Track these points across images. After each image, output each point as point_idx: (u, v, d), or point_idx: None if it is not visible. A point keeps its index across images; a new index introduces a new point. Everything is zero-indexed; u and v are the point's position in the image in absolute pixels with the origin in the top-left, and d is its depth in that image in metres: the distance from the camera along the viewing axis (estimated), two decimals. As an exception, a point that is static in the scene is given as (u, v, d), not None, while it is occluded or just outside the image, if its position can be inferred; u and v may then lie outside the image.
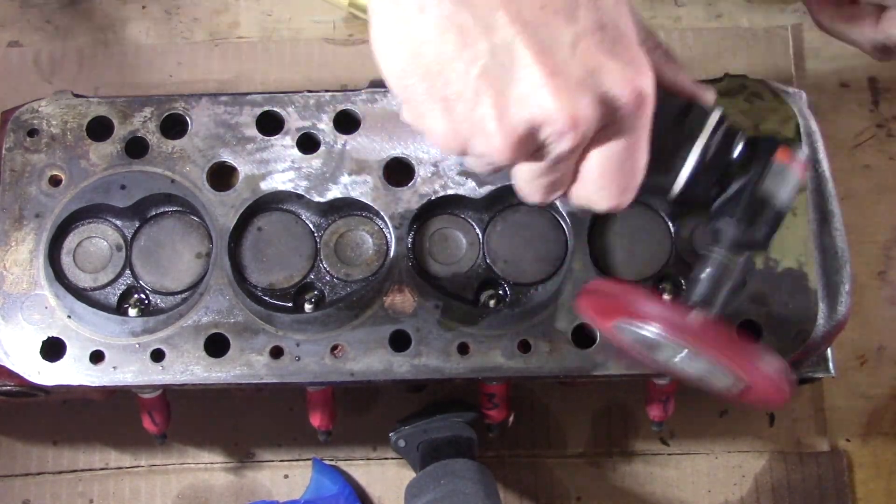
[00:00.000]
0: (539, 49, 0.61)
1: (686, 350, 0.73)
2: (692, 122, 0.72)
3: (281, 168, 0.95)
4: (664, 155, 0.71)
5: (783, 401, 0.72)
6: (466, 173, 0.94)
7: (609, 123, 0.64)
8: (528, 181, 0.68)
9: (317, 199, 0.94)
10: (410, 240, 0.95)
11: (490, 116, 0.62)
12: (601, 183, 0.67)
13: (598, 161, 0.66)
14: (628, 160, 0.66)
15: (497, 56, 0.61)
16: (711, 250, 0.74)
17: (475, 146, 0.64)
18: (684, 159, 0.72)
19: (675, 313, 0.69)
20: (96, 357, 0.92)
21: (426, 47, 0.62)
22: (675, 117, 0.72)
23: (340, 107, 0.96)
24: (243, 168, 0.95)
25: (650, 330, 0.71)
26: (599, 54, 0.61)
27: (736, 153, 0.73)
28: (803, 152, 0.73)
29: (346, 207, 0.96)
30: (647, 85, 0.63)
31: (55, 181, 0.95)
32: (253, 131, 0.96)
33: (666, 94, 0.71)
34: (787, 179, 0.73)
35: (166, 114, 0.96)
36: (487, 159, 0.65)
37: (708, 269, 0.74)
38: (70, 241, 0.96)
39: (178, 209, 0.97)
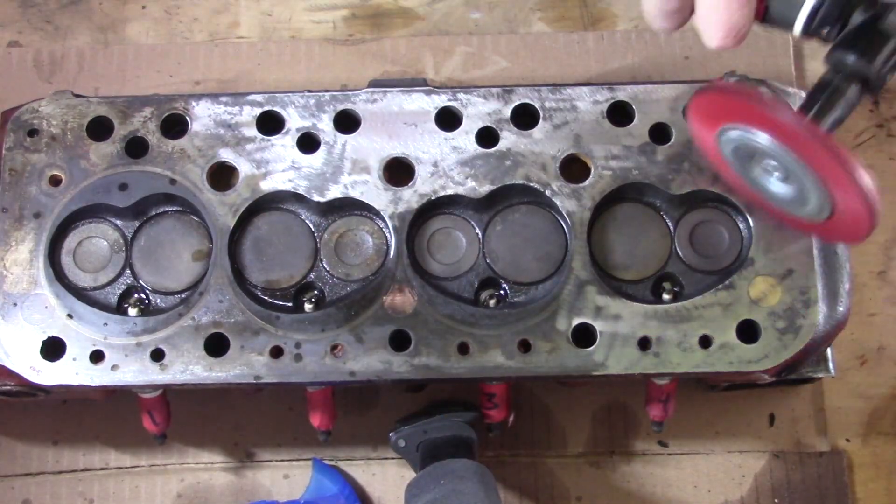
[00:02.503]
0: None
1: (792, 163, 0.73)
2: None
3: (281, 168, 0.95)
4: None
5: (864, 233, 0.73)
6: (466, 172, 0.94)
7: None
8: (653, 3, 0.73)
9: (317, 198, 0.94)
10: (410, 240, 0.95)
11: None
12: (708, 14, 0.72)
13: None
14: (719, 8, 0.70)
15: None
16: (831, 75, 0.74)
17: None
18: None
19: (791, 119, 0.69)
20: (96, 357, 0.92)
21: None
22: None
23: (340, 107, 0.96)
24: (243, 168, 0.95)
25: (762, 135, 0.71)
26: None
27: None
28: None
29: (346, 207, 0.96)
30: None
31: (55, 181, 0.95)
32: (253, 131, 0.96)
33: None
34: None
35: (166, 114, 0.96)
36: None
37: (826, 90, 0.74)
38: (70, 241, 0.96)
39: (178, 209, 0.97)
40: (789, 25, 0.75)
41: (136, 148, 0.96)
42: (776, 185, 0.77)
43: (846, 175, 0.69)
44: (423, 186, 0.94)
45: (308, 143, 0.96)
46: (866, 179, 0.69)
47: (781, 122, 0.69)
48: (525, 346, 0.91)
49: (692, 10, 0.74)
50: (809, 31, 0.75)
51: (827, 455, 1.11)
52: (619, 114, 0.96)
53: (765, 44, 1.18)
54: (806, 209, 0.77)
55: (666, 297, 0.94)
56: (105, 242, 0.97)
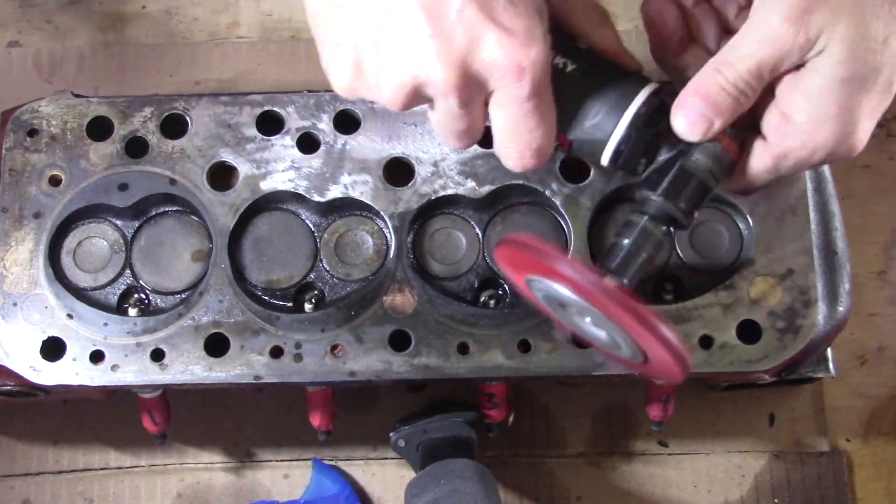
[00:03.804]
0: (430, 10, 0.63)
1: (596, 315, 0.72)
2: (626, 92, 0.72)
3: (281, 168, 0.95)
4: (597, 122, 0.72)
5: (678, 377, 0.72)
6: (466, 172, 0.94)
7: (498, 88, 0.66)
8: (435, 127, 0.71)
9: (317, 198, 0.94)
10: (410, 240, 0.95)
11: (379, 70, 0.66)
12: (503, 141, 0.70)
13: (495, 119, 0.69)
14: (522, 124, 0.68)
15: (392, 11, 0.64)
16: (635, 218, 0.74)
17: (366, 93, 0.68)
18: (614, 127, 0.72)
19: (588, 275, 0.68)
20: (96, 357, 0.91)
21: None
22: (609, 86, 0.72)
23: (340, 107, 0.96)
24: (243, 168, 0.95)
25: (561, 289, 0.71)
26: (484, 22, 0.63)
27: (668, 125, 0.72)
28: (737, 130, 0.73)
29: (346, 207, 0.96)
30: (527, 57, 0.64)
31: (55, 181, 0.95)
32: (253, 131, 0.96)
33: (600, 62, 0.72)
34: (716, 156, 0.72)
35: (166, 114, 0.96)
36: (380, 103, 0.69)
37: (627, 237, 0.73)
38: (70, 241, 0.96)
39: (178, 209, 0.97)
40: (596, 160, 0.74)
41: (136, 148, 0.96)
42: (592, 329, 0.76)
43: (646, 331, 0.68)
44: (423, 186, 0.94)
45: (308, 143, 0.96)
46: (667, 334, 0.68)
47: (576, 280, 0.68)
48: (525, 346, 0.91)
49: (481, 132, 0.72)
50: (617, 167, 0.74)
51: (827, 455, 1.11)
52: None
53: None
54: (622, 352, 0.77)
55: (666, 297, 0.94)
56: (105, 242, 0.97)
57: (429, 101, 0.68)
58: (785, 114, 0.71)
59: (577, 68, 0.72)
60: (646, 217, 0.73)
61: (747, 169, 0.74)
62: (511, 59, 0.64)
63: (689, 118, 0.71)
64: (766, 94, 0.72)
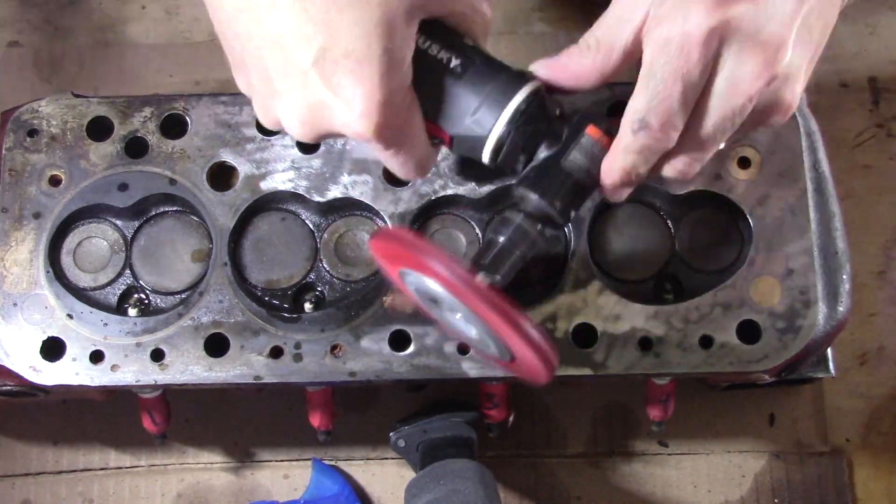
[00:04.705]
0: (283, 72, 0.68)
1: (464, 310, 0.72)
2: (507, 89, 0.72)
3: (281, 168, 0.95)
4: (477, 117, 0.72)
5: (544, 378, 0.72)
6: (466, 173, 0.94)
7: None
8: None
9: (317, 199, 0.94)
10: (410, 240, 0.95)
11: (273, 109, 0.71)
12: (387, 160, 0.74)
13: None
14: (390, 162, 0.74)
15: (269, 70, 0.69)
16: (511, 216, 0.74)
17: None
18: (494, 124, 0.72)
19: (457, 270, 0.68)
20: (96, 357, 0.91)
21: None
22: (491, 82, 0.72)
23: (340, 107, 0.96)
24: (243, 168, 0.95)
25: (432, 284, 0.71)
26: (324, 89, 0.67)
27: (548, 123, 0.73)
28: (613, 130, 0.72)
29: (346, 207, 0.96)
30: (363, 126, 0.67)
31: (55, 181, 0.95)
32: (253, 131, 0.96)
33: (484, 59, 0.72)
34: (593, 155, 0.72)
35: (166, 114, 0.96)
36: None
37: (503, 234, 0.73)
38: (70, 241, 0.96)
39: (178, 209, 0.97)
40: (478, 158, 0.74)
41: (136, 148, 0.96)
42: (462, 326, 0.76)
43: (511, 330, 0.69)
44: (423, 186, 0.94)
45: (308, 143, 0.96)
46: (532, 333, 0.69)
47: (445, 276, 0.68)
48: (525, 346, 0.91)
49: (421, 161, 0.75)
50: (497, 166, 0.74)
51: (827, 455, 1.11)
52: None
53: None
54: (490, 350, 0.77)
55: (666, 297, 0.94)
56: (105, 242, 0.97)
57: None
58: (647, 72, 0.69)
59: (461, 64, 0.72)
60: (521, 215, 0.73)
61: (613, 155, 0.72)
62: (350, 129, 0.68)
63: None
64: None
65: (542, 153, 0.73)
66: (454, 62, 0.72)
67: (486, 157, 0.73)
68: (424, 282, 0.71)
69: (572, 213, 0.74)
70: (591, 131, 0.72)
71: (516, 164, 0.74)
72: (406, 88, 0.69)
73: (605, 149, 0.72)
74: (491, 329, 0.71)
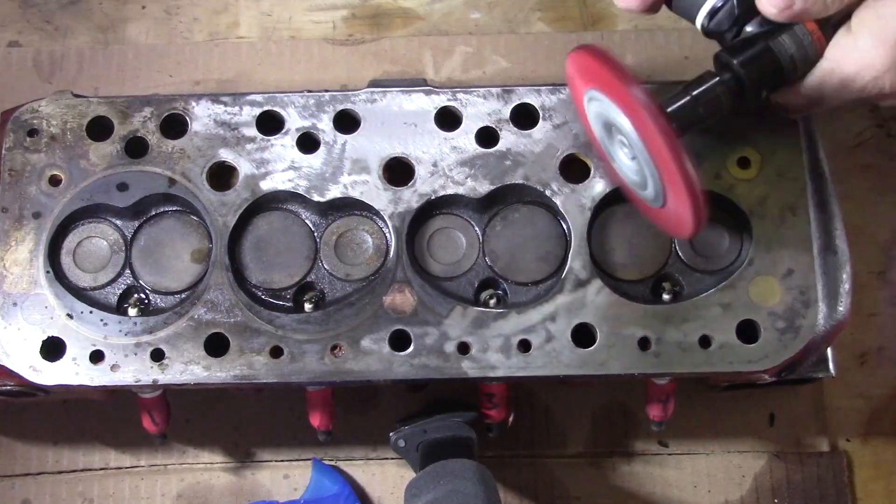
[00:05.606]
0: None
1: (637, 144, 0.74)
2: None
3: (281, 168, 0.95)
4: None
5: (689, 230, 0.74)
6: (466, 172, 0.94)
7: None
8: None
9: (317, 198, 0.94)
10: (410, 240, 0.95)
11: None
12: None
13: None
14: None
15: None
16: (708, 77, 0.76)
17: None
18: None
19: (650, 108, 0.71)
20: (96, 357, 0.92)
21: None
22: None
23: (340, 107, 0.96)
24: (243, 168, 0.95)
25: (619, 111, 0.73)
26: None
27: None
28: (831, 30, 0.75)
29: (345, 207, 0.96)
30: None
31: (55, 181, 0.95)
32: (253, 131, 0.96)
33: None
34: (801, 45, 0.75)
35: (166, 114, 0.96)
36: None
37: (698, 89, 0.76)
38: (70, 241, 0.96)
39: (178, 209, 0.97)
40: (693, 19, 0.78)
41: (136, 148, 0.96)
42: (625, 161, 0.79)
43: (679, 172, 0.70)
44: (423, 186, 0.94)
45: (308, 143, 0.96)
46: (695, 181, 0.71)
47: (635, 104, 0.71)
48: (525, 347, 0.91)
49: None
50: (709, 30, 0.78)
51: (827, 455, 1.11)
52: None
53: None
54: (644, 192, 0.79)
55: (666, 297, 0.94)
56: (105, 242, 0.97)
57: None
58: (851, 30, 0.73)
59: None
60: (717, 79, 0.76)
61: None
62: None
63: None
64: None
65: (753, 28, 0.76)
66: None
67: (699, 19, 0.77)
68: (611, 109, 0.73)
69: (763, 94, 0.77)
70: (810, 24, 0.75)
71: (727, 32, 0.77)
72: None
73: (817, 44, 0.75)
74: (658, 167, 0.73)
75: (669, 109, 0.76)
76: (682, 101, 0.76)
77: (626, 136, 0.75)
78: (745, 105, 0.77)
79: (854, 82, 0.75)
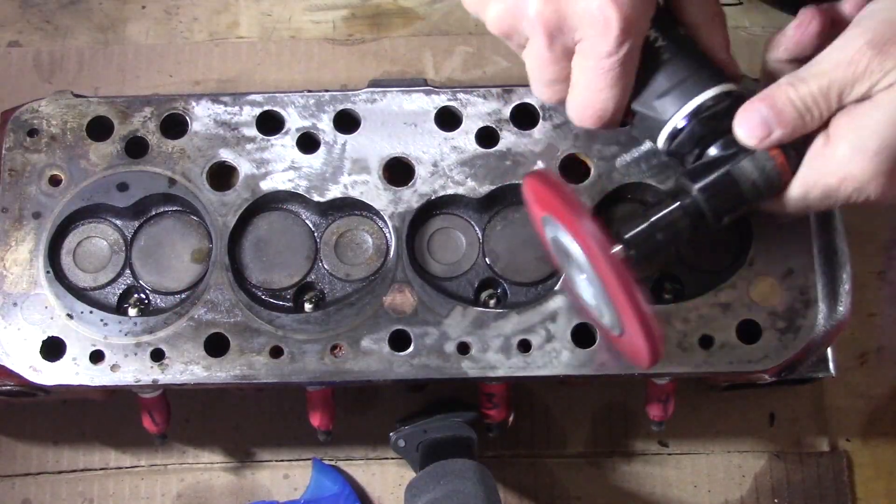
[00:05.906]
0: None
1: (591, 274, 0.74)
2: (701, 81, 0.74)
3: (281, 168, 0.95)
4: (664, 100, 0.74)
5: (646, 362, 0.73)
6: (466, 172, 0.94)
7: (584, 37, 0.71)
8: (529, 74, 0.77)
9: (317, 198, 0.94)
10: (410, 240, 0.95)
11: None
12: (572, 92, 0.74)
13: (573, 68, 0.73)
14: (595, 81, 0.72)
15: None
16: (667, 202, 0.75)
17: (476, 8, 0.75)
18: (678, 110, 0.74)
19: (598, 235, 0.70)
20: (96, 357, 0.92)
21: None
22: (688, 72, 0.74)
23: (340, 107, 0.96)
24: (243, 168, 0.95)
25: (571, 240, 0.72)
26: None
27: (730, 128, 0.74)
28: (795, 154, 0.73)
29: (346, 207, 0.96)
30: (617, 14, 0.68)
31: (55, 181, 0.95)
32: (253, 131, 0.96)
33: (692, 51, 0.75)
34: (764, 170, 0.73)
35: (166, 114, 0.96)
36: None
37: (653, 216, 0.74)
38: (70, 241, 0.96)
39: (178, 209, 0.97)
40: (654, 140, 0.77)
41: (136, 148, 0.96)
42: (583, 286, 0.78)
43: (630, 307, 0.69)
44: (423, 186, 0.94)
45: (308, 143, 0.96)
46: (648, 316, 0.69)
47: (586, 237, 0.70)
48: (525, 347, 0.91)
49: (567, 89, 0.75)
50: (670, 152, 0.76)
51: (827, 455, 1.11)
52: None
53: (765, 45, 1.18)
54: (602, 320, 0.78)
55: (666, 297, 0.94)
56: (105, 242, 0.97)
57: (522, 38, 0.72)
58: (829, 139, 0.71)
59: (666, 47, 0.74)
60: (677, 204, 0.74)
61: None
62: (601, 11, 0.67)
63: (751, 121, 0.72)
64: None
65: (715, 152, 0.74)
66: (660, 43, 0.74)
67: (660, 141, 0.75)
68: (564, 236, 0.73)
69: (725, 220, 0.74)
70: (773, 150, 0.73)
71: (688, 155, 0.76)
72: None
73: (778, 167, 0.72)
74: (611, 300, 0.72)
75: (627, 236, 0.74)
76: (641, 228, 0.74)
77: (580, 266, 0.75)
78: (707, 229, 0.75)
79: (837, 193, 0.72)
